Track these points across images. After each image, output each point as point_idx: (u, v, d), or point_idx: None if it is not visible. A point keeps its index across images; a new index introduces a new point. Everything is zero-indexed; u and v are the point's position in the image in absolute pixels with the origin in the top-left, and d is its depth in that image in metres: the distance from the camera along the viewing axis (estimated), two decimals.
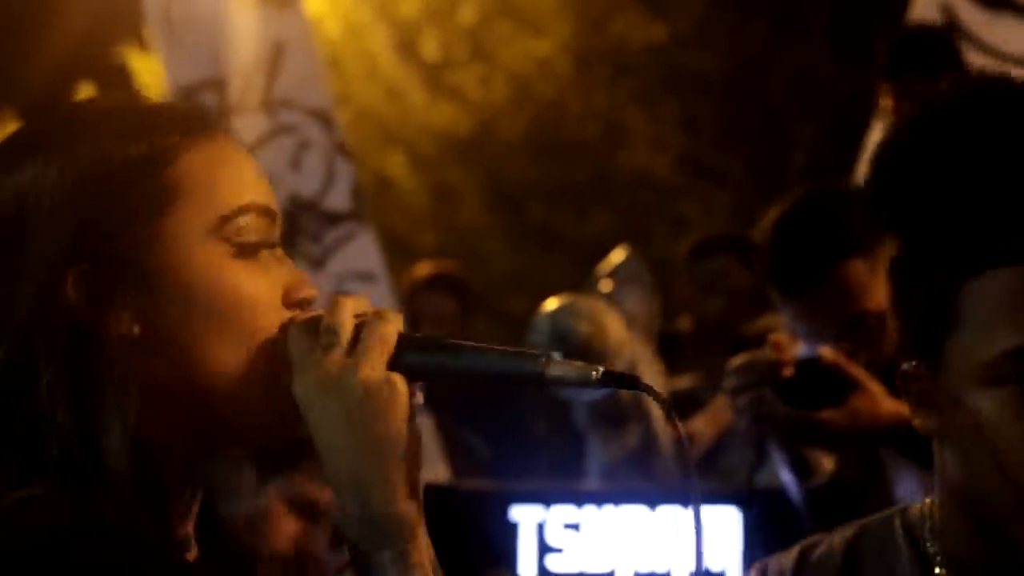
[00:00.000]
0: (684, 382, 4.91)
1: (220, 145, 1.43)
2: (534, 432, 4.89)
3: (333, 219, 5.49)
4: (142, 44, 9.95)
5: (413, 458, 1.35)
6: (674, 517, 3.78)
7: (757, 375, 2.72)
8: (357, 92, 11.51)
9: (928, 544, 1.68)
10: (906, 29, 4.67)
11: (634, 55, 11.66)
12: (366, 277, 5.42)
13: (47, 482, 1.30)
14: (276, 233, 1.42)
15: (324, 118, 5.66)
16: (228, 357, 1.36)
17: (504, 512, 3.79)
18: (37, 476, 1.31)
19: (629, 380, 1.39)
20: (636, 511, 3.78)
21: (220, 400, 1.36)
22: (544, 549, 3.78)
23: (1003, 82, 1.67)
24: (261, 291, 1.38)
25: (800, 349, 2.86)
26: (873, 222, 2.04)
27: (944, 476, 1.65)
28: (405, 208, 11.81)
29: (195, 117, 1.44)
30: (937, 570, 1.67)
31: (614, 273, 4.81)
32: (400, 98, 11.97)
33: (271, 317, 1.38)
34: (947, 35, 4.45)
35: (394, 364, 1.35)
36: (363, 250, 5.47)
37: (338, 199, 5.49)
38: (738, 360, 2.77)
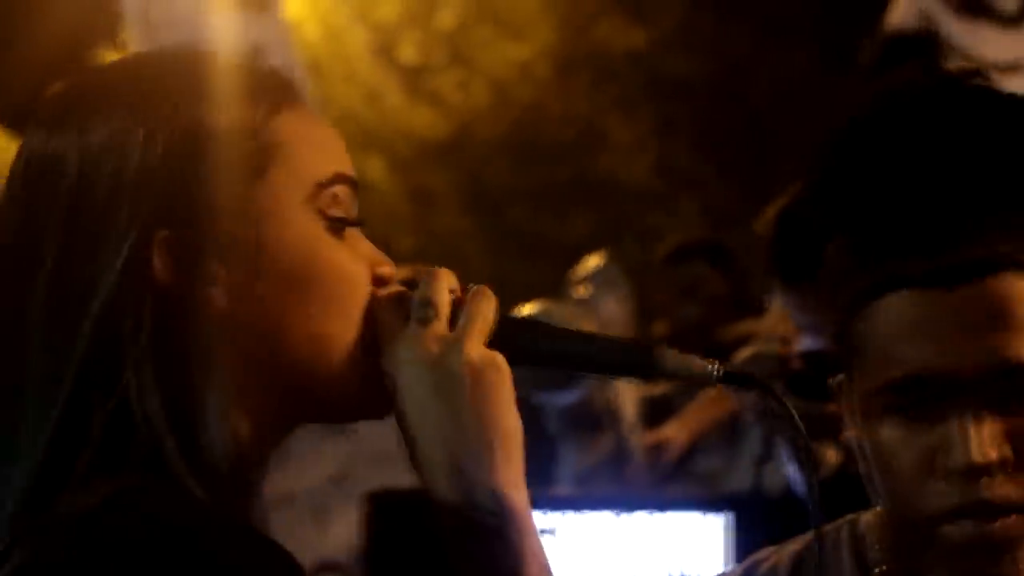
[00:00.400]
0: (659, 387, 4.91)
1: (307, 112, 1.36)
2: None
3: None
4: (120, 47, 9.93)
5: (518, 445, 1.27)
6: (645, 524, 3.78)
7: (764, 369, 2.73)
8: (336, 96, 11.50)
9: (871, 552, 1.66)
10: (885, 36, 4.68)
11: (615, 60, 11.67)
12: None
13: (138, 473, 1.20)
14: (356, 208, 1.35)
15: None
16: (322, 332, 1.28)
17: None
18: (123, 465, 1.21)
19: (750, 379, 1.34)
20: (607, 518, 3.77)
21: (311, 376, 1.28)
22: None
23: (949, 86, 1.59)
24: (354, 266, 1.31)
25: (804, 341, 2.89)
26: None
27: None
28: (384, 211, 11.80)
29: (284, 83, 1.36)
30: None
31: (590, 278, 4.81)
32: (379, 101, 11.98)
33: (364, 292, 1.30)
34: (926, 42, 4.47)
35: (494, 344, 1.28)
36: None
37: None
38: (745, 354, 2.78)
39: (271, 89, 1.34)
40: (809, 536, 1.73)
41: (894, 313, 1.51)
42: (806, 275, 2.64)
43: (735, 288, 5.15)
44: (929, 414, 1.51)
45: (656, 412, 4.61)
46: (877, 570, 1.65)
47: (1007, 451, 1.50)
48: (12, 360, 1.25)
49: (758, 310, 5.08)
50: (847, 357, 1.58)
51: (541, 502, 3.83)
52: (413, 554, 3.60)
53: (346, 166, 1.35)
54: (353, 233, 1.33)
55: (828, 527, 1.72)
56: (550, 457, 4.60)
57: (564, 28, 11.81)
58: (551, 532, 3.76)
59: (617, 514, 3.76)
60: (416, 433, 1.26)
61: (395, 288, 1.32)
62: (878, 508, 1.68)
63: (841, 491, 2.16)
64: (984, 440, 1.48)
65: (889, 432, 1.52)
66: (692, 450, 4.52)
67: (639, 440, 4.25)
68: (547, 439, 4.47)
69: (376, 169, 11.99)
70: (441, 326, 1.27)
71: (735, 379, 1.34)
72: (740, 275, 5.24)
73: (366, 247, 1.34)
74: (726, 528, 3.76)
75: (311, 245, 1.29)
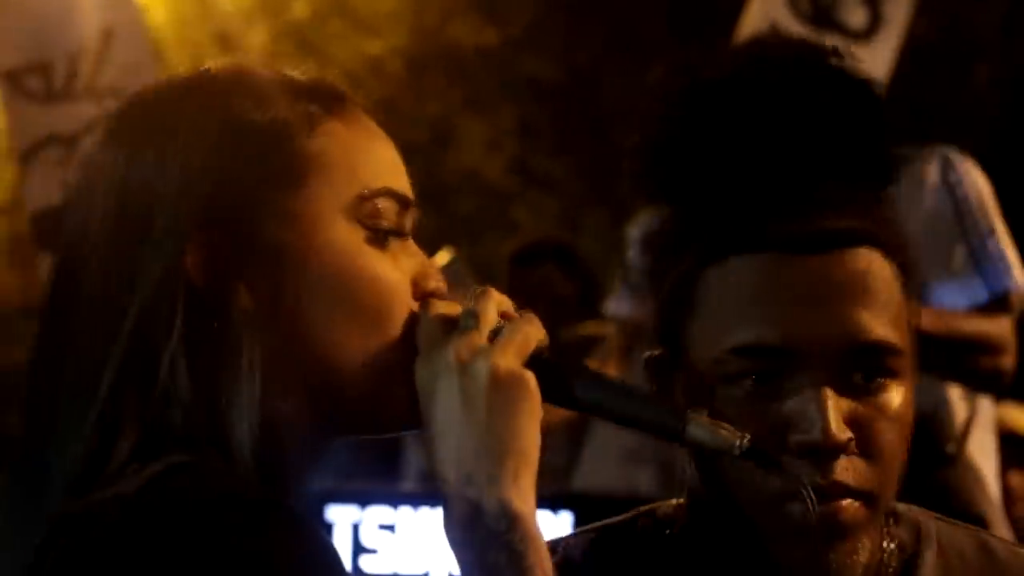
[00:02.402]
0: None
1: (361, 123, 1.37)
2: None
3: None
4: None
5: (530, 463, 1.26)
6: None
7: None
8: None
9: (665, 539, 1.59)
10: (737, 44, 4.74)
11: (468, 59, 11.68)
12: None
13: (179, 455, 1.22)
14: (409, 222, 1.36)
15: None
16: (355, 342, 1.29)
17: (319, 512, 3.78)
18: (160, 456, 1.23)
19: (774, 462, 1.34)
20: None
21: (343, 385, 1.30)
22: (359, 550, 3.77)
23: (784, 49, 1.55)
24: (394, 278, 1.32)
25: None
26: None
27: (689, 477, 1.57)
28: None
29: (335, 91, 1.38)
30: (668, 567, 1.58)
31: None
32: None
33: (401, 305, 1.31)
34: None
35: (531, 369, 1.28)
36: None
37: None
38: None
39: (317, 98, 1.36)
40: (588, 534, 1.64)
41: (746, 276, 1.45)
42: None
43: (581, 289, 5.18)
44: (777, 386, 1.44)
45: None
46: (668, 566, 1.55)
47: (850, 432, 1.45)
48: (59, 353, 1.29)
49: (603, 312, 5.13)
50: (674, 328, 1.50)
51: (385, 497, 3.83)
52: None
53: (394, 180, 1.36)
54: (401, 245, 1.35)
55: (618, 519, 1.64)
56: (396, 453, 4.60)
57: (417, 25, 11.79)
58: (391, 528, 3.77)
59: None
60: (435, 436, 1.27)
61: (449, 305, 1.32)
62: (679, 500, 1.60)
63: None
64: (841, 415, 1.43)
65: (735, 400, 1.45)
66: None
67: None
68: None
69: None
70: (480, 336, 1.29)
71: (757, 455, 1.33)
72: (586, 276, 5.27)
73: (413, 261, 1.35)
74: (574, 526, 3.79)
75: (348, 255, 1.30)
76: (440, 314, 1.32)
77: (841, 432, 1.42)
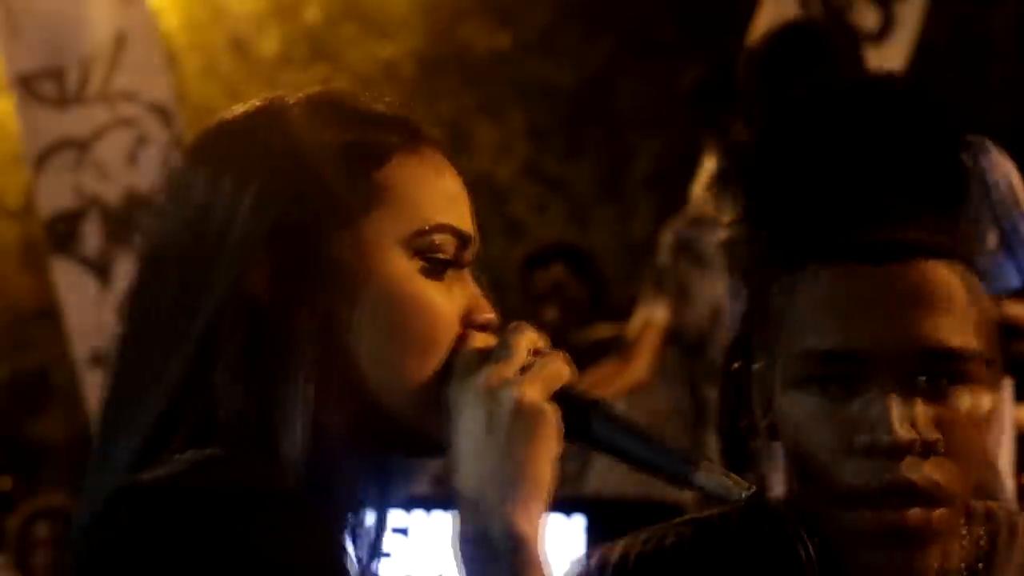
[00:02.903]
0: None
1: (432, 158, 1.42)
2: None
3: None
4: None
5: (542, 493, 1.32)
6: None
7: None
8: (195, 89, 11.39)
9: (767, 526, 1.61)
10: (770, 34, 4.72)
11: (480, 62, 11.69)
12: None
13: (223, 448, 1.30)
14: (468, 255, 1.41)
15: (164, 113, 5.60)
16: (402, 366, 1.35)
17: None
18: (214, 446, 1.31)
19: (774, 521, 1.38)
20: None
21: (388, 406, 1.35)
22: None
23: (866, 83, 1.62)
24: (444, 308, 1.37)
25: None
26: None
27: (786, 472, 1.61)
28: None
29: (412, 124, 1.43)
30: (773, 551, 1.60)
31: None
32: (239, 96, 11.86)
33: (447, 332, 1.36)
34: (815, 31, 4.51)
35: (554, 403, 1.34)
36: None
37: None
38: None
39: (394, 129, 1.41)
40: (692, 523, 1.67)
41: (820, 285, 1.51)
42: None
43: (592, 292, 5.19)
44: (850, 389, 1.49)
45: None
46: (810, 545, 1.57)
47: (937, 434, 1.47)
48: (133, 354, 1.38)
49: (616, 313, 5.13)
50: (763, 334, 1.56)
51: (399, 501, 3.83)
52: None
53: (457, 219, 1.40)
54: (457, 276, 1.39)
55: (715, 511, 1.66)
56: None
57: (430, 29, 11.80)
58: (403, 532, 3.77)
59: None
60: (457, 454, 1.33)
61: (487, 338, 1.38)
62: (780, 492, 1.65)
63: None
64: (910, 418, 1.47)
65: (806, 405, 1.50)
66: None
67: None
68: None
69: None
70: (509, 367, 1.34)
71: (760, 511, 1.40)
72: (597, 279, 5.28)
73: (466, 292, 1.40)
74: (586, 530, 3.79)
75: (404, 284, 1.36)
76: (477, 345, 1.38)
77: (909, 430, 1.46)
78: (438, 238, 1.38)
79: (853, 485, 1.47)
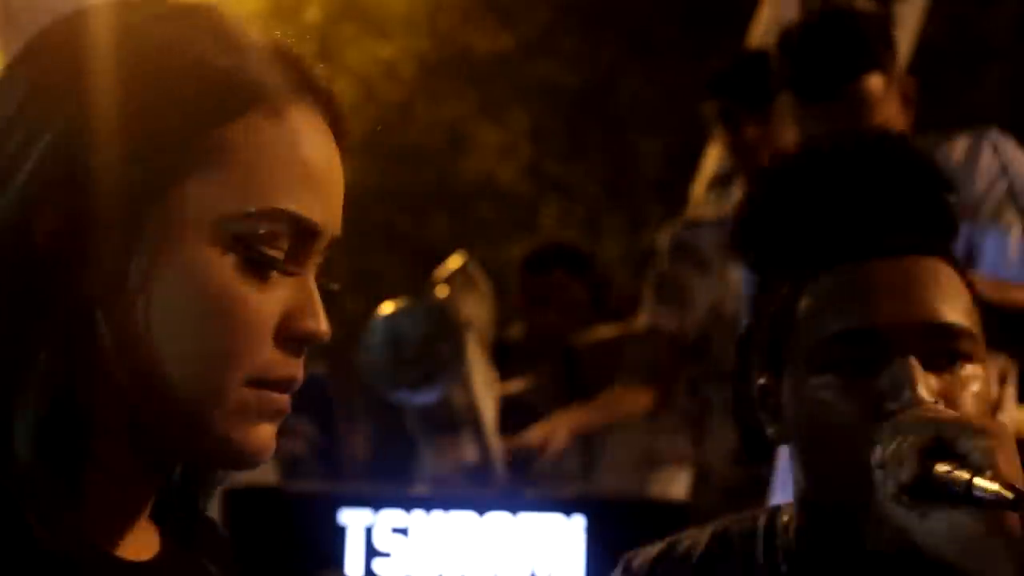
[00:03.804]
0: (514, 386, 4.94)
1: (302, 121, 1.17)
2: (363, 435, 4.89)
3: None
4: None
5: None
6: (502, 524, 3.80)
7: None
8: None
9: (779, 541, 1.74)
10: (740, 55, 4.73)
11: (482, 63, 11.69)
12: None
13: None
14: (308, 252, 1.17)
15: None
16: (204, 369, 1.13)
17: (332, 515, 3.78)
18: None
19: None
20: (465, 517, 3.79)
21: (184, 410, 1.14)
22: (372, 553, 3.78)
23: (851, 138, 1.78)
24: (252, 316, 1.13)
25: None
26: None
27: (795, 480, 1.72)
28: None
29: (298, 73, 1.20)
30: (784, 568, 1.73)
31: (450, 279, 4.82)
32: None
33: (258, 346, 1.14)
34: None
35: None
36: None
37: None
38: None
39: (264, 80, 1.18)
40: (728, 519, 1.81)
41: (836, 281, 1.67)
42: (828, 94, 3.19)
43: (592, 293, 5.18)
44: (868, 369, 1.63)
45: (513, 412, 4.63)
46: (784, 568, 1.72)
47: (938, 398, 1.61)
48: None
49: (616, 315, 5.13)
50: (777, 346, 1.70)
51: (398, 501, 3.84)
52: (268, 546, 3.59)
53: (304, 205, 1.16)
54: (287, 279, 1.17)
55: (745, 514, 1.81)
56: (408, 457, 4.60)
57: (431, 29, 11.80)
58: (403, 531, 3.77)
59: (481, 514, 3.78)
60: None
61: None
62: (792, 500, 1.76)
63: None
64: (929, 386, 1.61)
65: (826, 388, 1.64)
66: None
67: (498, 441, 4.26)
68: (405, 438, 4.48)
69: None
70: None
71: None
72: (597, 280, 5.27)
73: (292, 296, 1.17)
74: (587, 530, 3.80)
75: (203, 272, 1.13)
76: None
77: (930, 395, 1.60)
78: (267, 227, 1.14)
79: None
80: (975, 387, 1.65)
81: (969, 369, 1.65)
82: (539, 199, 11.70)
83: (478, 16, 11.73)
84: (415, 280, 6.20)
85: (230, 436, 1.15)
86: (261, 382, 1.16)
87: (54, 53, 1.17)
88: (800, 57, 3.32)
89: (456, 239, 8.84)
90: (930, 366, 1.62)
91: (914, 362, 1.61)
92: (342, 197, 1.21)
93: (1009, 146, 3.56)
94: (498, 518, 3.78)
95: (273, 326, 1.15)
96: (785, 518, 1.76)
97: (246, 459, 1.17)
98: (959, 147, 3.55)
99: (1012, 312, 3.37)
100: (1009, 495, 1.40)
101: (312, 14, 11.73)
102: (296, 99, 1.18)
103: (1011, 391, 3.67)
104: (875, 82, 3.29)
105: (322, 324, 1.18)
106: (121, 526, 1.19)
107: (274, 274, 1.15)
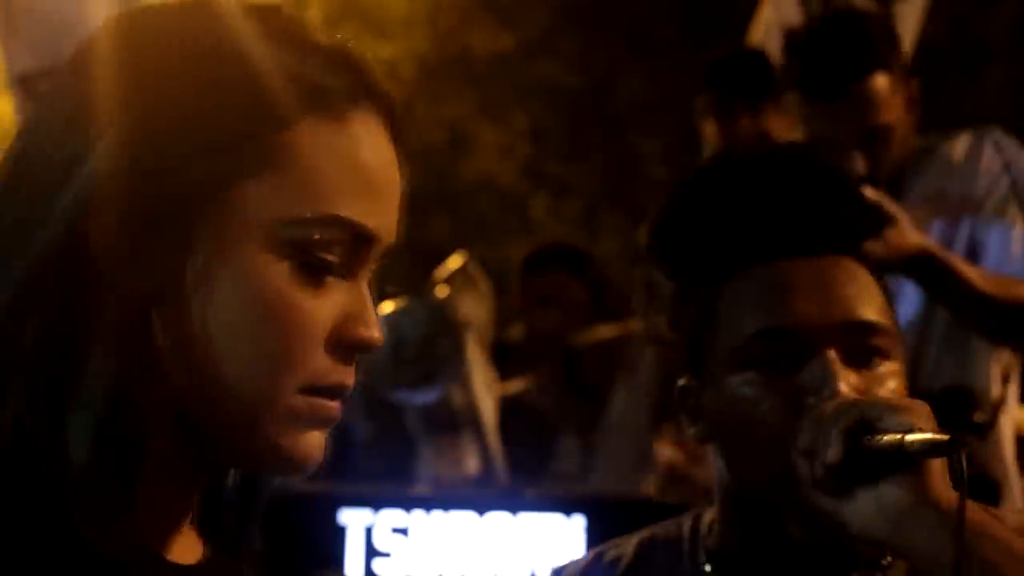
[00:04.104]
0: (514, 386, 4.94)
1: (360, 125, 1.16)
2: (363, 435, 4.89)
3: None
4: None
5: None
6: (502, 524, 3.80)
7: None
8: None
9: (703, 543, 1.76)
10: (738, 51, 4.74)
11: (481, 64, 11.69)
12: None
13: None
14: (363, 260, 1.17)
15: None
16: (260, 375, 1.13)
17: (332, 515, 3.78)
18: None
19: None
20: (465, 517, 3.79)
21: (219, 414, 1.14)
22: (372, 553, 3.78)
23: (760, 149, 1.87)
24: (308, 323, 1.13)
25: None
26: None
27: (718, 478, 1.74)
28: None
29: (360, 75, 1.19)
30: (707, 568, 1.74)
31: (450, 279, 4.82)
32: None
33: (312, 352, 1.13)
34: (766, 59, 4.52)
35: None
36: None
37: None
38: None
39: (331, 81, 1.16)
40: (655, 526, 1.83)
41: (755, 280, 1.69)
42: (834, 93, 3.26)
43: (592, 293, 5.18)
44: (788, 366, 1.65)
45: (513, 412, 4.64)
46: (708, 568, 1.74)
47: (858, 395, 1.63)
48: None
49: (616, 315, 5.13)
50: (698, 347, 1.72)
51: (398, 501, 3.84)
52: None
53: (361, 211, 1.14)
54: (343, 285, 1.16)
55: (669, 521, 1.82)
56: (408, 457, 4.61)
57: (432, 29, 11.81)
58: (403, 531, 3.77)
59: (481, 514, 3.78)
60: None
61: None
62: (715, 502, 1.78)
63: None
64: (848, 381, 1.63)
65: (748, 385, 1.66)
66: (551, 452, 4.55)
67: (498, 442, 4.27)
68: (405, 438, 4.48)
69: None
70: None
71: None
72: (597, 280, 5.27)
73: (347, 301, 1.16)
74: (587, 530, 3.80)
75: (258, 277, 1.12)
76: None
77: (850, 390, 1.62)
78: (323, 233, 1.13)
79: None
80: (892, 383, 1.67)
81: (887, 365, 1.68)
82: (539, 199, 11.70)
83: (478, 16, 11.74)
84: (415, 280, 6.21)
85: (279, 442, 1.15)
86: (313, 389, 1.15)
87: (108, 57, 1.14)
88: (807, 57, 3.33)
89: (456, 239, 8.84)
90: (849, 363, 1.65)
91: (834, 357, 1.63)
92: (399, 204, 1.20)
93: (1011, 144, 3.57)
94: (498, 518, 3.78)
95: (326, 333, 1.15)
96: (708, 519, 1.78)
97: (294, 465, 1.18)
98: (960, 145, 3.55)
99: (1015, 308, 3.37)
100: (943, 436, 1.40)
101: (312, 14, 11.74)
102: (357, 103, 1.17)
103: (1014, 389, 3.67)
104: (881, 82, 3.30)
105: (375, 332, 1.17)
106: (169, 528, 1.19)
107: (329, 280, 1.14)
